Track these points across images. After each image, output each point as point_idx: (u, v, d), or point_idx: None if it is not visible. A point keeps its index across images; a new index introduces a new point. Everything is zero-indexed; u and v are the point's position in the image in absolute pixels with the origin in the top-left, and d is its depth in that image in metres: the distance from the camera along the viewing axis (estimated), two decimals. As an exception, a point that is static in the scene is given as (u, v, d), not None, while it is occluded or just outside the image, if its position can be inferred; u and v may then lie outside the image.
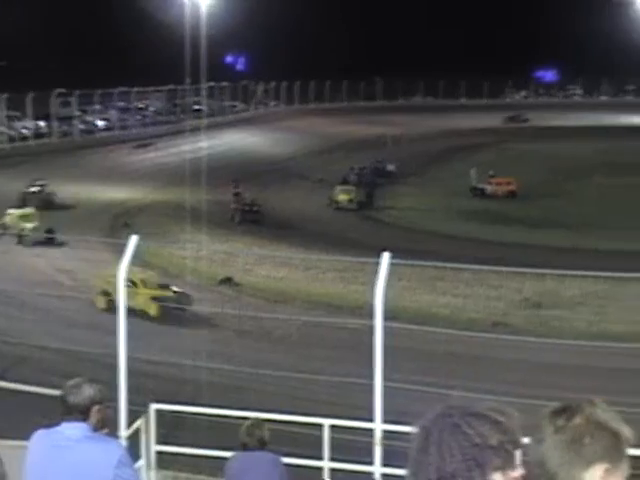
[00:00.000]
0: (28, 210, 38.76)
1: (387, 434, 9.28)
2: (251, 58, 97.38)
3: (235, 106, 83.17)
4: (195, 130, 60.43)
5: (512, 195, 52.90)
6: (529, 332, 24.09)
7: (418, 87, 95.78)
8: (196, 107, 71.56)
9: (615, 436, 2.27)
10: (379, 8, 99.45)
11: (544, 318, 26.61)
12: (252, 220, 43.57)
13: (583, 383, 17.76)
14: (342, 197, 49.99)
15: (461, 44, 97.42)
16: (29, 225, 36.59)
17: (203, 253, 32.69)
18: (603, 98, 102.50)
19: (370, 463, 9.41)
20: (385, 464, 9.26)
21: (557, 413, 2.31)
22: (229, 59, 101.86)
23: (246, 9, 71.55)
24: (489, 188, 53.74)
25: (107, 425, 4.76)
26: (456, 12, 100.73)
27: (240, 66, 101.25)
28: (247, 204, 45.21)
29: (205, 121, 66.02)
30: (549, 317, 26.70)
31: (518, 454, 2.23)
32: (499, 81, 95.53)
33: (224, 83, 79.35)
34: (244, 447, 7.22)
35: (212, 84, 73.21)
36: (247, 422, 7.40)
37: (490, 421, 2.22)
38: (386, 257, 9.25)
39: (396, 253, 9.98)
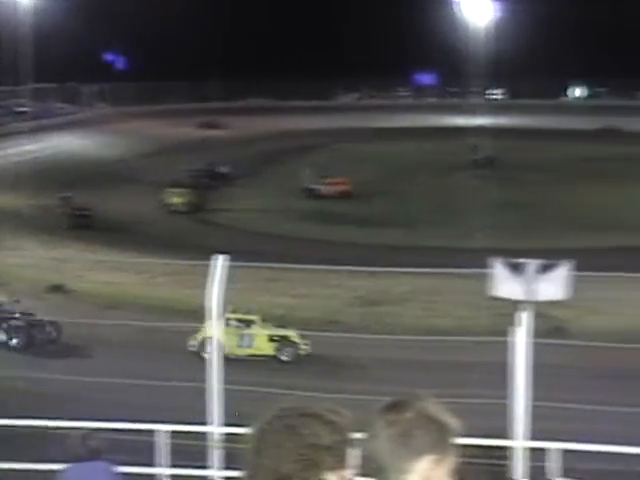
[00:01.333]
0: None
1: (226, 437, 9.22)
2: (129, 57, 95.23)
3: (62, 108, 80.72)
4: (20, 133, 58.25)
5: (346, 195, 53.86)
6: (363, 329, 24.54)
7: (253, 88, 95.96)
8: (20, 109, 68.91)
9: (443, 428, 2.32)
10: (219, 8, 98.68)
11: (377, 315, 27.20)
12: (83, 225, 42.39)
13: (415, 376, 18.24)
14: (175, 200, 49.44)
15: (297, 45, 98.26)
16: None
17: (31, 260, 31.54)
18: (430, 100, 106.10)
19: (210, 467, 9.32)
20: (226, 467, 9.19)
21: (388, 408, 2.34)
22: (110, 58, 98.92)
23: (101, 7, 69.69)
24: (323, 188, 54.50)
25: None
26: (296, 14, 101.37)
27: (120, 65, 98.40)
28: (77, 208, 43.95)
29: (30, 124, 63.76)
30: (382, 314, 27.31)
31: (351, 454, 2.24)
32: (330, 83, 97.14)
33: (51, 84, 76.89)
34: (77, 458, 6.99)
35: (38, 85, 70.75)
36: (78, 432, 7.16)
37: (324, 421, 2.22)
38: (220, 259, 9.19)
39: (232, 255, 9.94)
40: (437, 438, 2.30)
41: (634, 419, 14.13)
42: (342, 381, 19.73)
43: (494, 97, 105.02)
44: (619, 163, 62.41)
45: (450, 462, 2.33)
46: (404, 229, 43.33)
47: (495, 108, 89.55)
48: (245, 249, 30.43)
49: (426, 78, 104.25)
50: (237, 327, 24.33)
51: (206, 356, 22.75)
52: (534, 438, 8.98)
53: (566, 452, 8.83)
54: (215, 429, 9.24)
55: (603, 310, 25.66)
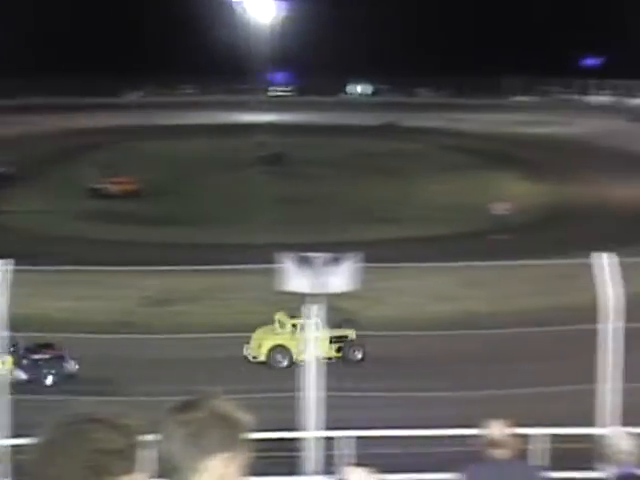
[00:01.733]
0: None
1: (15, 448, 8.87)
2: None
3: None
4: None
5: (134, 194, 52.84)
6: (154, 329, 24.17)
7: (34, 86, 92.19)
8: None
9: (234, 425, 2.35)
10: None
11: (169, 314, 26.92)
12: None
13: (207, 375, 18.20)
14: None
15: (79, 43, 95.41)
16: None
17: None
18: (217, 97, 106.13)
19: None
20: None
21: (180, 408, 2.34)
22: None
23: None
24: (109, 187, 53.22)
25: None
26: (80, 15, 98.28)
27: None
28: None
29: None
30: (174, 313, 27.06)
31: (143, 457, 2.22)
32: (114, 81, 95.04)
33: None
34: None
35: None
36: None
37: (113, 426, 2.19)
38: (0, 264, 8.80)
39: (16, 259, 9.54)
40: (229, 436, 2.32)
41: (420, 404, 14.72)
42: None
43: (281, 94, 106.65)
44: (400, 157, 65.07)
45: (243, 458, 2.36)
46: (193, 227, 43.13)
47: (282, 105, 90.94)
48: (28, 252, 29.22)
49: (213, 76, 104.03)
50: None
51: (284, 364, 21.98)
52: (328, 428, 9.21)
53: (359, 439, 9.10)
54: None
55: (388, 300, 26.67)
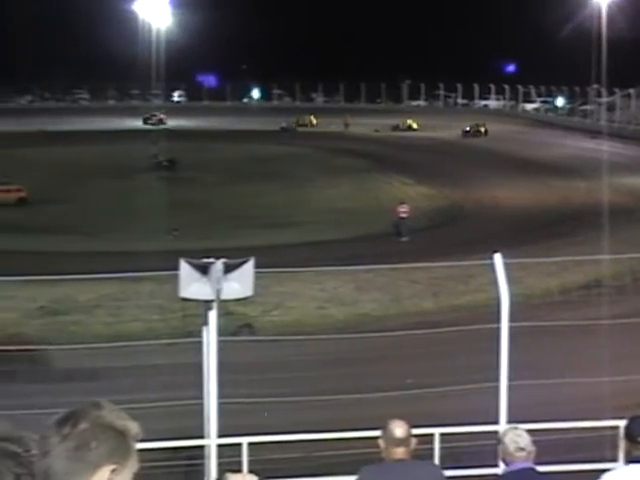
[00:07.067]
0: None
1: None
2: None
3: None
4: None
5: (22, 202, 51.39)
6: (46, 340, 23.44)
7: None
8: None
9: (121, 435, 2.26)
10: None
11: (62, 324, 26.18)
12: None
13: (104, 385, 17.83)
14: None
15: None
16: None
17: None
18: (110, 102, 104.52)
19: None
20: None
21: (62, 421, 2.23)
22: None
23: None
24: (-4, 195, 51.62)
25: None
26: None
27: None
28: None
29: None
30: (67, 323, 26.34)
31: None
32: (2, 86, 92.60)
33: None
34: None
35: None
36: None
37: (5, 454, 2.06)
38: None
39: None
40: (115, 446, 2.23)
41: (306, 407, 14.47)
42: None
43: (174, 99, 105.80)
44: (293, 162, 65.24)
45: (131, 468, 2.26)
46: (83, 234, 42.14)
47: (175, 110, 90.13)
48: None
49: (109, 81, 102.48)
50: None
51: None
52: (226, 435, 9.07)
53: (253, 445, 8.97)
54: None
55: (285, 305, 26.49)
